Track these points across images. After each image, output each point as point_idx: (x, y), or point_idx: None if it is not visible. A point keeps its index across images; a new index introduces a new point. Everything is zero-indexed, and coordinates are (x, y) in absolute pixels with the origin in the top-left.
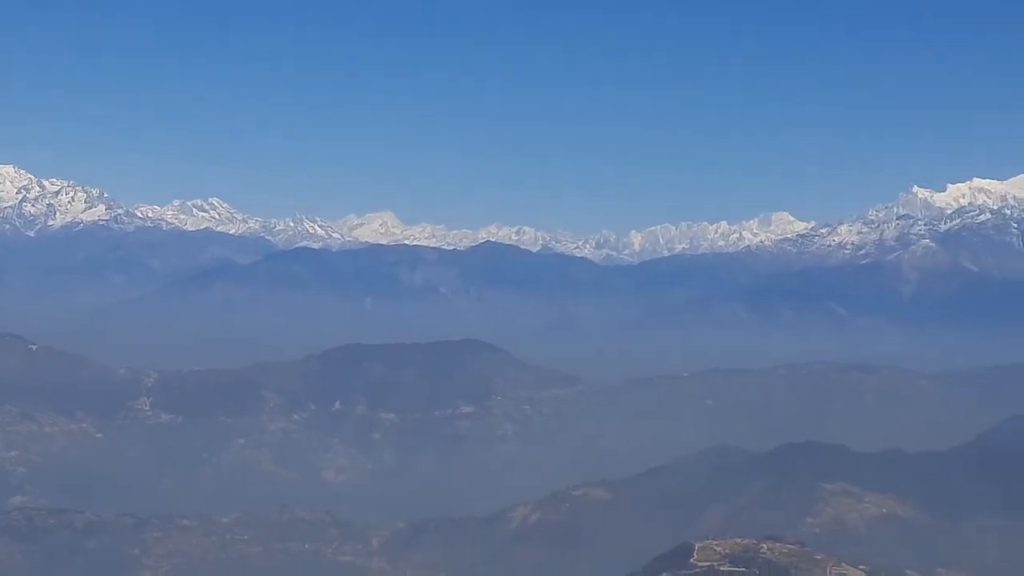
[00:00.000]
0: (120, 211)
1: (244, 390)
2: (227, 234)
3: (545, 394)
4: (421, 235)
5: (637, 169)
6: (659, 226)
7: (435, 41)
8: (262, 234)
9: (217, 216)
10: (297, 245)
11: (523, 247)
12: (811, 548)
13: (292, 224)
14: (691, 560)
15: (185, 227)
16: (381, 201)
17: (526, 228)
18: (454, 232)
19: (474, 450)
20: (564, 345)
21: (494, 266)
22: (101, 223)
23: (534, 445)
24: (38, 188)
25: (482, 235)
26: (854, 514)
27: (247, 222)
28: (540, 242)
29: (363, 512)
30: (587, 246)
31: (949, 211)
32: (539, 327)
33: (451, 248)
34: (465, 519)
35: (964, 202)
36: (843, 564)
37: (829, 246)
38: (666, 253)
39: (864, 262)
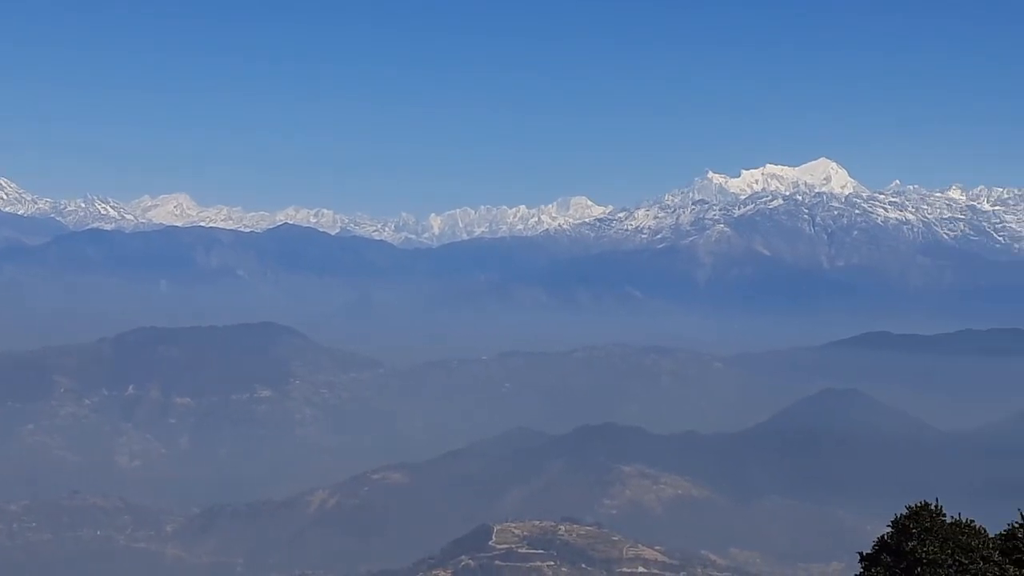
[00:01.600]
0: None
1: (34, 374)
2: (16, 215)
3: (344, 378)
4: (217, 217)
5: (437, 152)
6: (458, 209)
7: (227, 22)
8: (52, 215)
9: (5, 196)
10: (89, 226)
11: (322, 230)
12: (608, 529)
13: (83, 205)
14: (490, 543)
15: None
16: (176, 182)
17: (325, 210)
18: (251, 214)
19: (272, 434)
20: (363, 328)
21: (292, 249)
22: None
23: (333, 429)
24: None
25: (280, 217)
26: (650, 495)
27: (36, 203)
28: (339, 225)
29: (157, 498)
30: (386, 229)
31: (743, 196)
32: (338, 310)
33: (248, 230)
34: (262, 504)
35: (757, 188)
36: (640, 545)
37: (626, 230)
38: (465, 236)
39: (661, 246)
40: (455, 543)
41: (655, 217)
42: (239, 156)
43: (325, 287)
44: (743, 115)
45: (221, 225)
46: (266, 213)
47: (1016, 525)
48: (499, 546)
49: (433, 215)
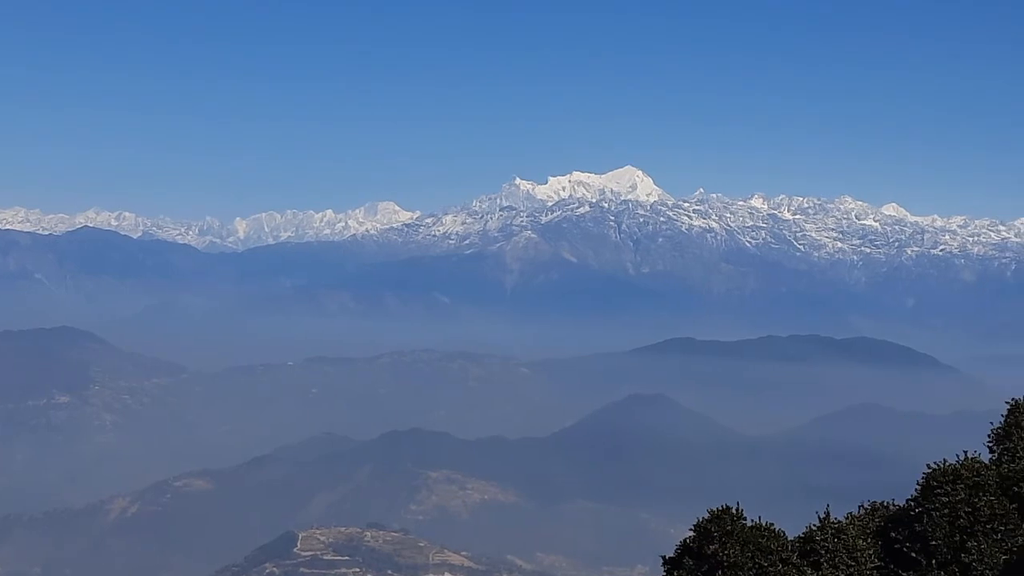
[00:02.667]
0: None
1: None
2: None
3: (146, 383)
4: (14, 219)
5: (241, 157)
6: (264, 213)
7: (23, 28)
8: None
9: None
10: None
11: (123, 233)
12: (415, 535)
13: None
14: (295, 549)
15: None
16: None
17: (126, 213)
18: (50, 216)
19: (70, 441)
20: (166, 333)
21: (93, 252)
22: None
23: (134, 435)
24: None
25: (80, 220)
26: (457, 500)
27: None
28: (141, 228)
29: None
30: (190, 233)
31: (550, 203)
32: (140, 315)
33: (47, 233)
34: (60, 512)
35: (564, 195)
36: (446, 550)
37: (434, 236)
38: (271, 241)
39: (468, 252)
40: (259, 550)
41: (463, 223)
42: (37, 157)
43: (127, 291)
44: (550, 122)
45: (18, 227)
46: (65, 216)
47: (814, 527)
48: (304, 553)
49: (238, 219)
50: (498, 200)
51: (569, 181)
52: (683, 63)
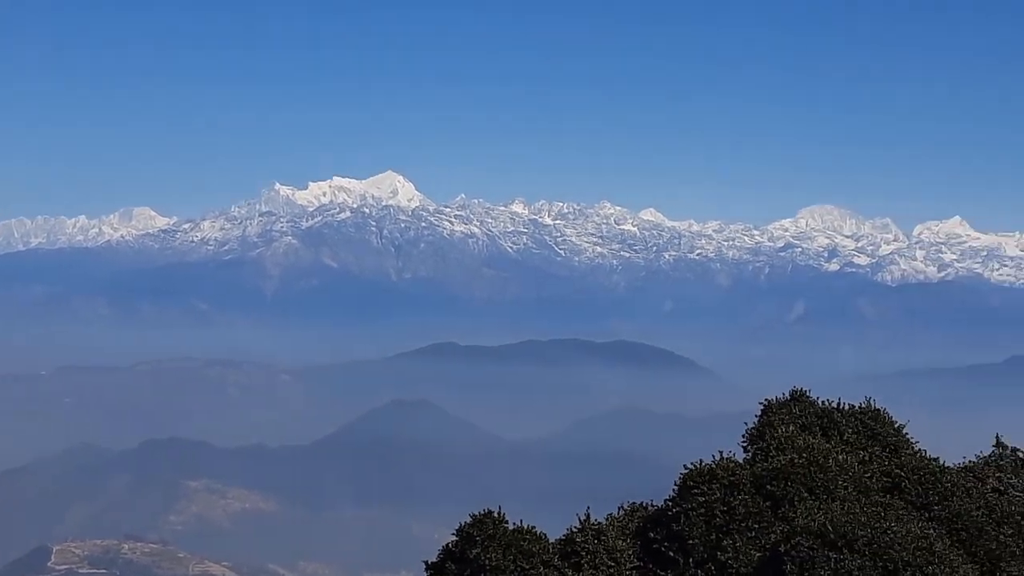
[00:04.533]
0: None
1: None
2: None
3: None
4: None
5: None
6: (13, 220)
7: None
8: None
9: None
10: None
11: None
12: (174, 546)
13: None
14: (49, 563)
15: None
16: None
17: None
18: None
19: None
20: None
21: None
22: None
23: None
24: None
25: None
26: (218, 510)
27: None
28: None
29: None
30: None
31: (311, 209)
32: None
33: None
34: None
35: (325, 200)
36: (206, 561)
37: (192, 242)
38: (21, 248)
39: (227, 258)
40: (11, 565)
41: (221, 228)
42: None
43: None
44: (309, 127)
45: None
46: None
47: (575, 530)
48: (59, 567)
49: None
50: (257, 205)
51: (330, 186)
52: (439, 67)
